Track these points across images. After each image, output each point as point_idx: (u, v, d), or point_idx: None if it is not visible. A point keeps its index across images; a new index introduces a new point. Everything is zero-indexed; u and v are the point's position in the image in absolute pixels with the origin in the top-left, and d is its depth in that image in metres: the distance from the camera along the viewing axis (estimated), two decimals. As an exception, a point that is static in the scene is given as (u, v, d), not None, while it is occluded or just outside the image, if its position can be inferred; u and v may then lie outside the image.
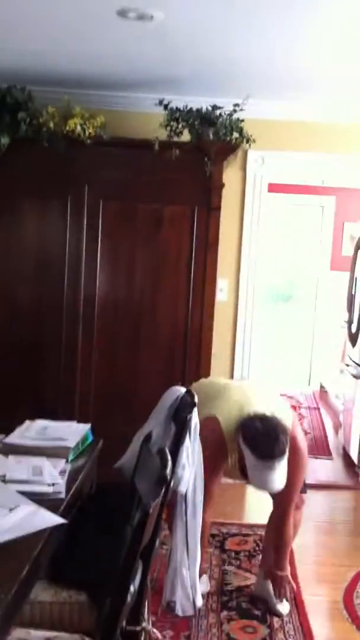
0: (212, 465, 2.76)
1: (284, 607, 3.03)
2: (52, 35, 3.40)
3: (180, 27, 3.18)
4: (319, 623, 3.00)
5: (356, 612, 3.07)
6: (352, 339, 5.42)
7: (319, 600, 3.20)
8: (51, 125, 3.89)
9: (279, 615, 3.00)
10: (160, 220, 4.10)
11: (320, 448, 5.69)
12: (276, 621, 2.95)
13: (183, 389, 2.67)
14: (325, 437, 6.04)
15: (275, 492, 2.73)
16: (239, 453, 2.72)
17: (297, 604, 3.10)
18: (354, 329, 5.38)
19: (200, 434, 2.63)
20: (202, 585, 3.01)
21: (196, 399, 2.56)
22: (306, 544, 3.70)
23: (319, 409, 7.11)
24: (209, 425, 2.74)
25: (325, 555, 3.71)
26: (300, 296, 8.20)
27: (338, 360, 6.53)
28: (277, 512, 2.99)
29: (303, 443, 2.88)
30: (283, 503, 2.91)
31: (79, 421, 2.85)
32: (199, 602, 2.85)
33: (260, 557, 3.41)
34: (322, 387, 7.94)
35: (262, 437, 2.57)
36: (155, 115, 4.01)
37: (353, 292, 5.56)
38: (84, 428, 2.74)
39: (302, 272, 8.11)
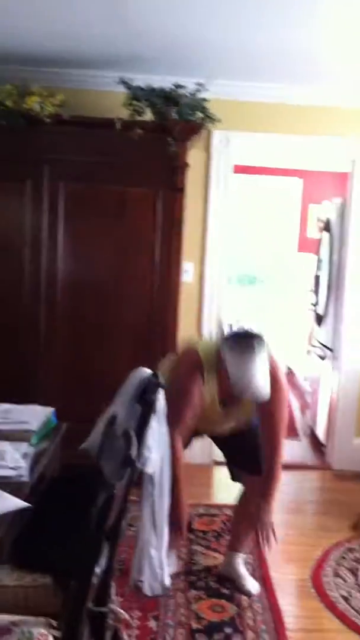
0: (187, 383, 2.73)
1: (252, 585, 3.05)
2: (10, 12, 3.32)
3: (140, 3, 3.13)
4: (287, 601, 3.02)
5: (324, 590, 3.10)
6: (318, 321, 5.45)
7: (287, 579, 3.23)
8: (9, 103, 3.80)
9: (248, 594, 3.01)
10: (123, 201, 4.04)
11: (288, 429, 5.71)
12: (244, 600, 2.96)
13: (149, 371, 2.64)
14: (293, 418, 6.08)
15: (260, 396, 2.67)
16: (218, 381, 2.74)
17: (266, 582, 3.12)
18: (320, 311, 5.40)
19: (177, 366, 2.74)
20: (171, 566, 3.00)
21: (161, 380, 2.54)
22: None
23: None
24: (187, 353, 2.85)
25: (293, 535, 3.73)
26: (267, 278, 8.22)
27: (305, 342, 6.57)
28: (268, 453, 2.90)
29: (283, 377, 2.90)
30: (273, 440, 2.89)
31: (43, 404, 2.81)
32: (168, 581, 2.84)
33: (228, 537, 3.42)
34: (289, 369, 7.98)
35: (241, 335, 2.73)
36: (117, 94, 3.96)
37: (319, 274, 5.59)
38: (48, 411, 2.71)
39: (269, 254, 8.12)
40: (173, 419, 2.67)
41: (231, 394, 2.73)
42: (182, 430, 2.73)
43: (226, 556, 3.21)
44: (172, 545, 2.72)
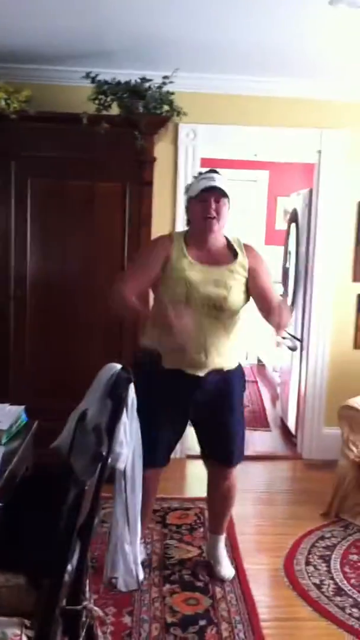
0: (149, 244, 2.85)
1: (227, 572, 3.08)
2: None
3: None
4: (261, 591, 3.05)
5: (297, 579, 3.13)
6: (288, 312, 5.47)
7: (260, 569, 3.26)
8: (-26, 99, 3.76)
9: (223, 580, 3.05)
10: (92, 196, 4.02)
11: (258, 420, 5.77)
12: (218, 592, 2.98)
13: (119, 366, 2.64)
14: (264, 409, 6.13)
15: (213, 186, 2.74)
16: (187, 245, 2.79)
17: (239, 573, 3.15)
18: (288, 302, 5.44)
19: None
20: (141, 554, 3.04)
21: (132, 375, 2.54)
22: (246, 514, 3.76)
23: (257, 382, 7.21)
24: None
25: (264, 525, 3.77)
26: (236, 271, 8.23)
27: (274, 334, 6.60)
28: (272, 304, 2.82)
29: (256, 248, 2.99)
30: (269, 293, 2.87)
31: (13, 403, 2.79)
32: (141, 576, 2.86)
33: (201, 530, 3.45)
34: (259, 361, 8.05)
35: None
36: (83, 89, 3.94)
37: (287, 266, 5.62)
38: (18, 410, 2.69)
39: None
40: (128, 269, 2.70)
41: (205, 254, 2.78)
42: (132, 280, 2.79)
43: (209, 539, 3.25)
44: None
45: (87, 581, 2.10)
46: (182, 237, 2.83)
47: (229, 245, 2.88)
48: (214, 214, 2.73)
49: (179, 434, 3.03)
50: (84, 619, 1.99)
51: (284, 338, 5.55)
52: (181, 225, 4.50)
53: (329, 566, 3.26)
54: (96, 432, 1.89)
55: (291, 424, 5.26)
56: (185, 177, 4.51)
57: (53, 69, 4.24)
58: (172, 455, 3.06)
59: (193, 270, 2.74)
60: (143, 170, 3.97)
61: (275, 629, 2.76)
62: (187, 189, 2.89)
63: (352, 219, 4.69)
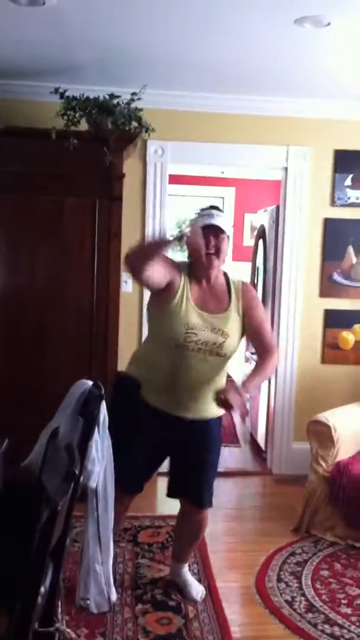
0: (170, 262, 2.77)
1: (197, 592, 3.05)
2: None
3: (74, 12, 3.11)
4: (233, 609, 3.03)
5: (269, 596, 3.12)
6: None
7: (232, 587, 3.24)
8: None
9: (194, 600, 3.02)
10: (61, 212, 4.00)
11: (228, 436, 5.75)
12: (191, 611, 2.95)
13: (90, 383, 2.62)
14: (234, 425, 6.12)
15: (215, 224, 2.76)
16: (191, 284, 2.78)
17: (211, 591, 3.12)
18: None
19: None
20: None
21: (103, 392, 2.52)
22: (216, 532, 3.73)
23: (225, 398, 7.19)
24: None
25: (235, 542, 3.75)
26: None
27: (243, 349, 6.62)
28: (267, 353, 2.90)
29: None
30: (266, 334, 2.92)
31: (-18, 420, 2.75)
32: (114, 597, 2.81)
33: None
34: (229, 376, 8.02)
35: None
36: (52, 104, 3.92)
37: (255, 282, 5.65)
38: (-13, 427, 2.64)
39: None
40: None
41: (203, 295, 2.78)
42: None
43: (172, 566, 3.21)
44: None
45: (60, 602, 2.07)
46: (186, 269, 2.82)
47: (228, 286, 2.88)
48: (213, 249, 2.76)
49: (154, 463, 2.97)
50: (56, 641, 1.96)
51: (252, 353, 5.56)
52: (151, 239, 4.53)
53: (300, 582, 3.25)
54: (68, 450, 1.86)
55: (261, 439, 5.27)
56: (154, 193, 4.54)
57: (21, 84, 4.23)
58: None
59: (194, 314, 2.74)
60: (112, 186, 3.96)
61: (248, 647, 2.75)
62: (191, 224, 2.85)
63: (319, 234, 4.75)
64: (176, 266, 2.78)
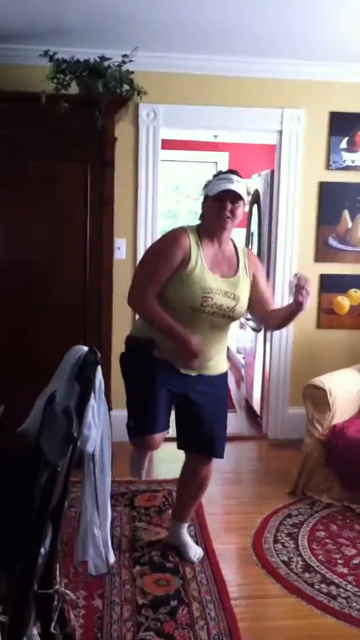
0: (167, 243, 2.81)
1: (195, 553, 3.09)
2: None
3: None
4: (230, 570, 3.07)
5: (265, 557, 3.15)
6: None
7: (229, 549, 3.28)
8: None
9: (192, 561, 3.06)
10: (52, 177, 3.95)
11: (223, 402, 5.78)
12: (189, 572, 2.99)
13: (85, 348, 2.60)
14: (229, 391, 6.13)
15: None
16: (203, 246, 2.79)
17: (208, 553, 3.16)
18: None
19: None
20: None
21: (99, 357, 2.50)
22: (213, 495, 3.76)
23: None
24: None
25: (232, 505, 3.79)
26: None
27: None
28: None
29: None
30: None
31: (-22, 388, 2.74)
32: (112, 559, 2.84)
33: (170, 512, 3.44)
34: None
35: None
36: (41, 68, 3.86)
37: (249, 247, 5.63)
38: (-17, 394, 2.64)
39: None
40: (145, 274, 2.78)
41: (215, 259, 2.81)
42: (153, 287, 2.74)
43: (171, 526, 3.24)
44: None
45: (58, 565, 2.08)
46: (195, 233, 2.83)
47: (236, 250, 2.93)
48: (229, 214, 2.78)
49: (171, 401, 2.98)
50: (55, 602, 1.97)
51: (247, 319, 5.57)
52: (143, 204, 4.51)
53: (296, 543, 3.29)
54: (66, 413, 1.85)
55: (256, 404, 5.29)
56: (147, 157, 4.48)
57: (9, 47, 4.14)
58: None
59: (210, 278, 2.78)
60: (104, 151, 3.91)
61: (245, 606, 2.78)
62: (206, 185, 2.90)
63: (314, 199, 4.71)
64: (181, 246, 2.77)
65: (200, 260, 2.77)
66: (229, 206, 2.77)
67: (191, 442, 3.05)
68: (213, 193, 2.79)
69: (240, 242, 3.00)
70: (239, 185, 2.79)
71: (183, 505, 3.20)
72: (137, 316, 3.08)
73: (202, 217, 2.91)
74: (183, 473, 3.17)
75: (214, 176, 2.90)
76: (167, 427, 2.99)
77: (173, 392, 2.91)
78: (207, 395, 2.93)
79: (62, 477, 1.75)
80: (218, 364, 2.93)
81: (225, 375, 3.03)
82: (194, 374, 2.87)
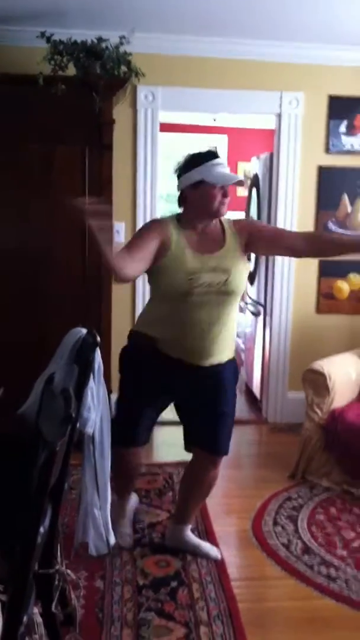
0: (143, 229, 2.78)
1: (212, 548, 3.02)
2: None
3: None
4: (230, 552, 3.08)
5: (265, 539, 3.16)
6: (251, 278, 5.48)
7: (229, 531, 3.29)
8: None
9: (215, 558, 2.97)
10: (50, 161, 3.91)
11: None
12: (189, 554, 2.99)
13: (84, 330, 2.60)
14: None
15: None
16: (185, 233, 2.74)
17: (208, 535, 3.17)
18: (251, 268, 5.43)
19: None
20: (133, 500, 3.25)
21: (98, 339, 2.49)
22: (214, 479, 3.77)
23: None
24: None
25: (232, 488, 3.79)
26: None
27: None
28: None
29: None
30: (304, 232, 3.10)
31: (-24, 371, 2.74)
32: (112, 540, 2.84)
33: (169, 494, 3.45)
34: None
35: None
36: (38, 50, 3.82)
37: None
38: (-18, 377, 2.63)
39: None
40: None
41: (198, 238, 2.74)
42: (127, 251, 2.63)
43: (172, 529, 3.10)
44: None
45: (59, 545, 2.09)
46: (175, 222, 2.77)
47: (222, 226, 2.83)
48: (227, 202, 2.73)
49: (159, 413, 2.97)
50: (56, 582, 1.98)
51: (246, 303, 5.56)
52: (142, 188, 4.48)
53: (296, 526, 3.29)
54: (64, 394, 1.84)
55: (256, 389, 5.29)
56: (145, 140, 4.45)
57: (6, 29, 4.10)
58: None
59: (192, 259, 2.70)
60: (102, 134, 3.88)
61: (245, 588, 2.79)
62: (186, 167, 2.76)
63: (313, 183, 4.69)
64: (158, 229, 2.72)
65: (181, 245, 2.70)
66: (228, 193, 2.70)
67: (197, 438, 2.94)
68: (215, 180, 2.67)
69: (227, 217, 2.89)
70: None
71: (187, 506, 3.07)
72: (140, 309, 3.04)
73: (185, 203, 2.79)
74: (187, 473, 3.07)
75: (195, 157, 2.75)
76: (145, 442, 3.00)
77: (166, 400, 2.91)
78: (215, 382, 2.84)
79: (61, 458, 1.74)
80: (228, 349, 2.83)
81: (233, 361, 2.90)
82: (202, 363, 2.77)
